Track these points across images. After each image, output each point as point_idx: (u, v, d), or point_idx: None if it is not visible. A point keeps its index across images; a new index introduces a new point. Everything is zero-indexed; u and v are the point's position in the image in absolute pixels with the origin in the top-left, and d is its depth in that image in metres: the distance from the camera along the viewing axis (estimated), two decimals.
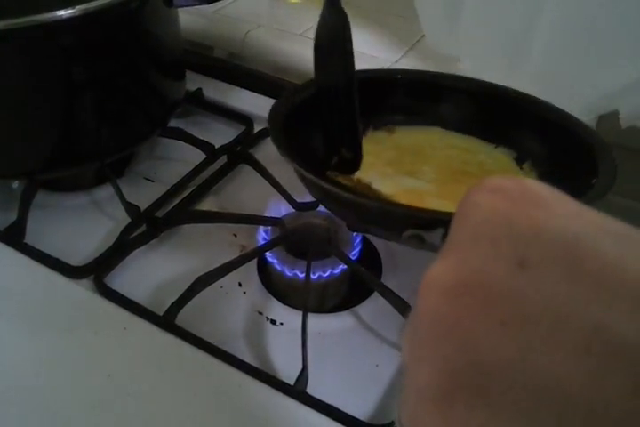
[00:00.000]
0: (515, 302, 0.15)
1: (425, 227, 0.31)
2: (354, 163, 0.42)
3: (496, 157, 0.44)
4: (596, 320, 0.14)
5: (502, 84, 0.49)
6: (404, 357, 0.18)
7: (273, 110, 0.41)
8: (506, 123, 0.45)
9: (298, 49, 0.66)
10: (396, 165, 0.43)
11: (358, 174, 0.42)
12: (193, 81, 0.63)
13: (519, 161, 0.44)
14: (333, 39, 0.38)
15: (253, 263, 0.48)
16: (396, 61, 0.65)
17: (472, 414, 0.15)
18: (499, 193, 0.17)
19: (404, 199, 0.37)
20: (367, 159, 0.42)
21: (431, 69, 0.48)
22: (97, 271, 0.45)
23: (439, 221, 0.30)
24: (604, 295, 0.14)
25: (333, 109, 0.40)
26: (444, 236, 0.29)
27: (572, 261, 0.14)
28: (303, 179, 0.38)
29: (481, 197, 0.17)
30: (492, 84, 0.46)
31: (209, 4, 0.51)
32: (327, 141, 0.42)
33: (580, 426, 0.13)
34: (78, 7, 0.40)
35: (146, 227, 0.49)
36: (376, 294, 0.45)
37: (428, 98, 0.47)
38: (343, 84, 0.40)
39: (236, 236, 0.51)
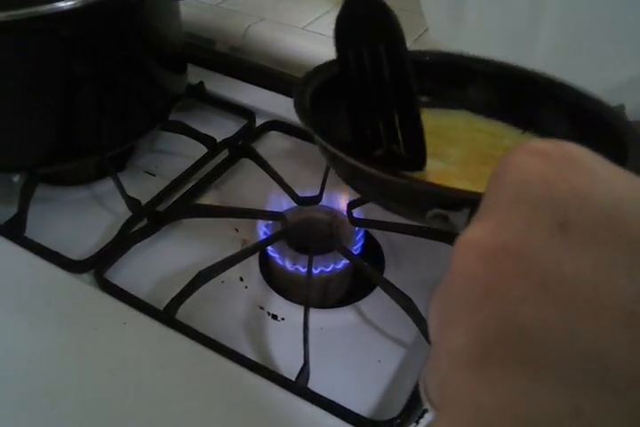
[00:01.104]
0: (555, 265, 0.14)
1: (450, 206, 0.30)
2: (414, 162, 0.40)
3: (522, 142, 0.43)
4: (638, 287, 0.13)
5: None
6: (433, 320, 0.17)
7: (303, 80, 0.40)
8: (534, 108, 0.44)
9: (300, 43, 0.66)
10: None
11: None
12: (195, 74, 0.63)
13: None
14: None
15: (255, 258, 0.47)
16: None
17: (512, 379, 0.14)
18: (539, 155, 0.16)
19: (430, 180, 0.36)
20: None
21: None
22: (97, 266, 0.45)
23: (465, 201, 0.29)
24: (637, 280, 0.13)
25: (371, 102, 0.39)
26: (470, 216, 0.29)
27: (615, 227, 0.14)
28: (326, 153, 0.37)
29: (520, 158, 0.17)
30: (520, 68, 0.44)
31: None
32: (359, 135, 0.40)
33: (622, 397, 0.13)
34: None
35: (147, 221, 0.49)
36: (378, 289, 0.44)
37: (455, 80, 0.46)
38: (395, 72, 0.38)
39: (237, 230, 0.50)
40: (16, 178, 0.54)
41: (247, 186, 0.55)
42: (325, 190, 0.50)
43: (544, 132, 0.43)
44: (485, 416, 0.15)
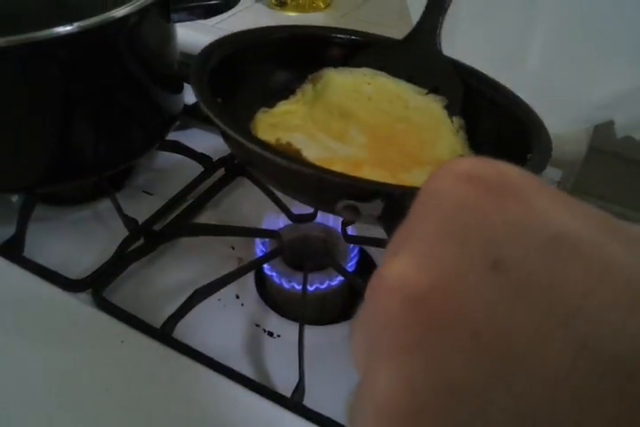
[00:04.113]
0: (489, 311, 0.13)
1: (361, 198, 0.29)
2: None
3: (427, 104, 0.43)
4: (582, 335, 0.12)
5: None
6: (357, 357, 0.16)
7: (197, 64, 0.39)
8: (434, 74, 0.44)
9: None
10: (324, 127, 0.42)
11: (288, 138, 0.40)
12: (191, 94, 0.63)
13: (450, 111, 0.43)
14: None
15: (251, 276, 0.48)
16: None
17: None
18: (468, 181, 0.14)
19: (339, 168, 0.35)
20: (294, 120, 0.42)
21: None
22: (95, 285, 0.45)
23: (377, 193, 0.28)
24: (590, 304, 0.12)
25: None
26: (384, 208, 0.28)
27: (552, 266, 0.13)
28: (229, 140, 0.35)
29: (448, 184, 0.15)
30: (436, 54, 0.45)
31: (206, 18, 0.51)
32: None
33: None
34: (76, 24, 0.41)
35: (144, 240, 0.50)
36: None
37: (360, 53, 0.46)
38: None
39: (233, 248, 0.51)
40: (15, 198, 0.54)
41: (243, 204, 0.56)
42: None
43: (446, 93, 0.44)
44: None
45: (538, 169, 0.33)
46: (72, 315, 0.44)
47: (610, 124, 0.56)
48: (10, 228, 0.50)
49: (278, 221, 0.50)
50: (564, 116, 0.59)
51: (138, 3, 0.44)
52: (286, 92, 0.46)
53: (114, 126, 0.50)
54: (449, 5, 0.43)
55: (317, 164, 0.33)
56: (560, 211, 0.14)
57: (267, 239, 0.48)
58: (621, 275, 0.12)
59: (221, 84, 0.39)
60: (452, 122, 0.43)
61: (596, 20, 0.53)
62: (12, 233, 0.49)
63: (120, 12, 0.42)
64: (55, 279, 0.46)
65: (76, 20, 0.41)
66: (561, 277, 0.12)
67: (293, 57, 0.45)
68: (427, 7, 0.44)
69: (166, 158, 0.60)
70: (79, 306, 0.44)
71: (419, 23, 0.44)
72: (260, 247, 0.48)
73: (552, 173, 0.58)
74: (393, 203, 0.28)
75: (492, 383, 0.12)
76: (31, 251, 0.49)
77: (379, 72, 0.45)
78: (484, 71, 0.44)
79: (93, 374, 0.40)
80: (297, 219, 0.50)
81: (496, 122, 0.42)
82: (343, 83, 0.45)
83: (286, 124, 0.43)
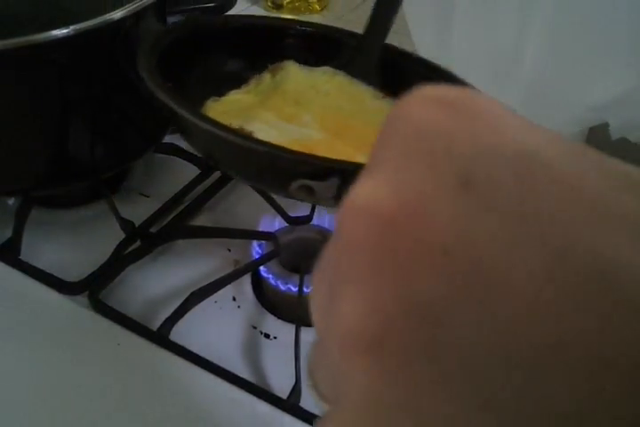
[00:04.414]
0: (460, 229, 0.12)
1: (316, 176, 0.28)
2: None
3: (384, 106, 0.43)
4: (556, 247, 0.11)
5: (492, 97, 0.50)
6: (317, 298, 0.15)
7: (146, 46, 0.39)
8: (395, 80, 0.44)
9: None
10: (277, 111, 0.41)
11: (240, 123, 0.39)
12: None
13: None
14: None
15: (247, 278, 0.48)
16: None
17: (413, 369, 0.12)
18: (436, 103, 0.14)
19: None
20: (245, 107, 0.42)
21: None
22: (91, 287, 0.45)
23: (332, 170, 0.28)
24: (562, 217, 0.12)
25: None
26: (339, 187, 0.27)
27: (523, 180, 0.12)
28: (177, 118, 0.34)
29: (414, 106, 0.14)
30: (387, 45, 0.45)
31: None
32: None
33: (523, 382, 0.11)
34: (73, 27, 0.41)
35: (140, 242, 0.50)
36: None
37: (321, 49, 0.46)
38: None
39: (230, 250, 0.51)
40: (11, 201, 0.54)
41: (239, 206, 0.56)
42: (316, 210, 0.51)
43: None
44: (386, 414, 0.13)
45: None
46: (68, 317, 0.44)
47: (605, 125, 0.56)
48: (6, 230, 0.50)
49: (274, 224, 0.50)
50: (558, 119, 0.59)
51: (134, 6, 0.44)
52: (238, 81, 0.45)
53: (110, 129, 0.50)
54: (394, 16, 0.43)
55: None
56: (530, 132, 0.13)
57: (263, 241, 0.48)
58: (591, 193, 0.12)
59: (171, 70, 0.38)
60: None
61: (591, 22, 0.53)
62: (8, 236, 0.49)
63: (116, 14, 0.42)
64: (52, 282, 0.46)
65: (73, 23, 0.41)
66: (532, 191, 0.12)
67: (248, 46, 0.46)
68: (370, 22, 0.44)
69: (163, 161, 0.60)
70: (75, 308, 0.44)
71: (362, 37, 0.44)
72: (256, 249, 0.48)
73: None
74: (349, 181, 0.27)
75: (465, 300, 0.12)
76: (27, 253, 0.49)
77: (339, 72, 0.45)
78: (482, 72, 0.45)
79: (90, 377, 0.40)
80: (293, 221, 0.50)
81: None
82: (302, 78, 0.44)
83: (237, 111, 0.42)
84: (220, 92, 0.44)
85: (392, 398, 0.12)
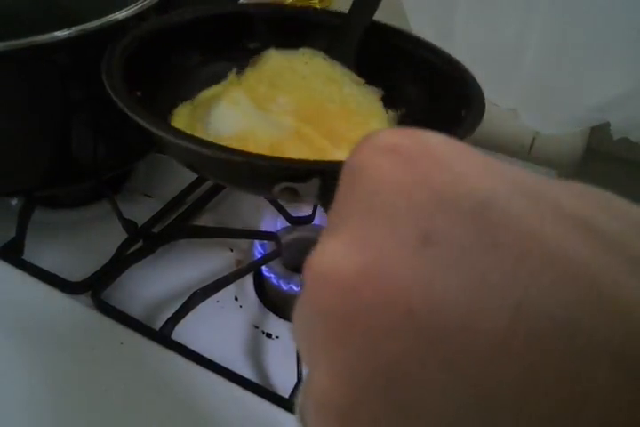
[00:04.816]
0: (422, 288, 0.12)
1: (298, 179, 0.28)
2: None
3: (362, 92, 0.43)
4: (515, 300, 0.11)
5: (492, 97, 0.50)
6: (300, 347, 0.15)
7: (110, 53, 0.38)
8: (376, 60, 0.43)
9: None
10: (251, 90, 0.41)
11: (206, 110, 0.39)
12: None
13: (387, 103, 0.42)
14: None
15: (249, 277, 0.48)
16: None
17: None
18: (390, 154, 0.14)
19: (263, 143, 0.35)
20: (219, 90, 0.42)
21: None
22: (94, 287, 0.46)
23: (312, 172, 0.28)
24: (521, 269, 0.11)
25: None
26: (321, 187, 0.28)
27: (483, 232, 0.12)
28: (161, 139, 0.33)
29: (371, 159, 0.14)
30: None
31: None
32: None
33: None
34: (75, 28, 0.41)
35: (143, 242, 0.50)
36: None
37: (296, 32, 0.45)
38: None
39: (232, 250, 0.51)
40: (14, 201, 0.55)
41: (241, 206, 0.56)
42: (318, 210, 0.51)
43: (387, 86, 0.43)
44: None
45: (474, 124, 0.33)
46: (71, 317, 0.44)
47: (606, 125, 0.56)
48: (9, 231, 0.50)
49: (276, 224, 0.50)
50: (560, 118, 0.59)
51: (136, 7, 0.44)
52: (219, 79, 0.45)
53: (112, 129, 0.50)
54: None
55: (237, 138, 0.33)
56: (486, 176, 0.13)
57: (265, 241, 0.49)
58: (547, 242, 0.12)
59: (141, 75, 0.38)
60: (387, 113, 0.42)
61: (593, 22, 0.53)
62: (11, 236, 0.49)
63: (119, 15, 0.43)
64: (54, 282, 0.46)
65: (75, 25, 0.41)
66: (491, 244, 0.12)
67: (219, 37, 0.44)
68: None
69: (165, 161, 0.60)
70: (78, 308, 0.44)
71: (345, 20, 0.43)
72: (258, 249, 0.48)
73: (548, 174, 0.58)
74: (329, 180, 0.27)
75: (431, 363, 0.12)
76: (30, 254, 0.49)
77: (318, 53, 0.44)
78: (483, 71, 0.44)
79: (93, 376, 0.40)
80: (295, 221, 0.50)
81: (427, 83, 0.42)
82: (280, 59, 0.44)
83: (208, 100, 0.41)
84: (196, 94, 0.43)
85: None
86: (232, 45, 0.45)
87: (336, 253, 0.13)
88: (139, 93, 0.37)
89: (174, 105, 0.42)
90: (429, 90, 0.42)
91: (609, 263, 0.11)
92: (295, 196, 0.29)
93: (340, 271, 0.13)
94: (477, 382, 0.11)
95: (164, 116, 0.41)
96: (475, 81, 0.38)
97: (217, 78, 0.45)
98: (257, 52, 0.45)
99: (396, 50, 0.43)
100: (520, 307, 0.11)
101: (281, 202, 0.30)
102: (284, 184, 0.29)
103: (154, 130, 0.31)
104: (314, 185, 0.28)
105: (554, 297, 0.11)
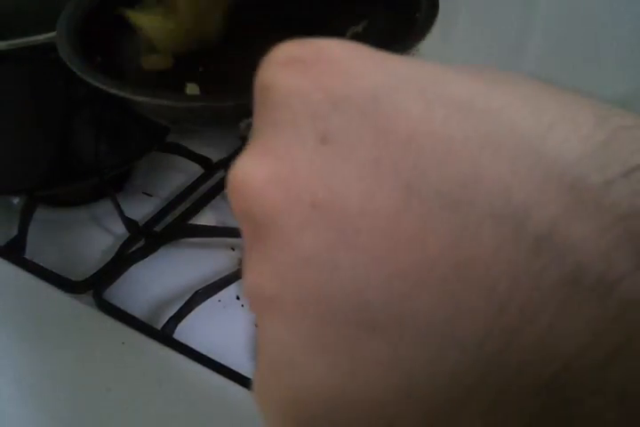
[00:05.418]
0: (322, 182, 0.13)
1: None
2: None
3: None
4: (406, 177, 0.12)
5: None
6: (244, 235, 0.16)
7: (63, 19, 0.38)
8: None
9: None
10: None
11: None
12: None
13: (349, 19, 0.43)
14: None
15: None
16: None
17: (302, 322, 0.13)
18: (292, 65, 0.15)
19: None
20: None
21: None
22: (96, 286, 0.46)
23: None
24: (410, 149, 0.12)
25: None
26: None
27: (373, 124, 0.13)
28: (113, 97, 0.34)
29: (273, 75, 0.15)
30: None
31: None
32: None
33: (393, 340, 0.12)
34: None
35: (144, 242, 0.50)
36: None
37: None
38: None
39: (233, 249, 0.51)
40: (16, 200, 0.55)
41: None
42: None
43: None
44: (294, 359, 0.14)
45: (427, 25, 0.34)
46: (73, 316, 0.44)
47: None
48: (11, 230, 0.50)
49: None
50: None
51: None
52: None
53: (114, 128, 0.50)
54: None
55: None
56: (377, 72, 0.14)
57: None
58: (431, 125, 0.13)
59: (97, 38, 0.38)
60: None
61: (595, 21, 0.53)
62: (13, 235, 0.49)
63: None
64: (56, 281, 0.46)
65: None
66: (382, 133, 0.13)
67: None
68: None
69: (166, 160, 0.60)
70: (80, 307, 0.44)
71: None
72: None
73: None
74: None
75: (338, 249, 0.13)
76: (32, 253, 0.49)
77: None
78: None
79: (94, 376, 0.40)
80: None
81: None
82: None
83: None
84: None
85: (296, 339, 0.13)
86: None
87: (247, 165, 0.14)
88: (99, 59, 0.38)
89: (138, 55, 0.43)
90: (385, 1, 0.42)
91: (484, 140, 0.12)
92: None
93: (250, 181, 0.14)
94: (379, 257, 0.12)
95: (131, 69, 0.41)
96: None
97: None
98: None
99: None
100: (410, 186, 0.12)
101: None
102: (247, 120, 0.29)
103: (120, 93, 0.32)
104: None
105: (439, 174, 0.12)
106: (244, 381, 0.40)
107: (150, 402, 0.39)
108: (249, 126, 0.29)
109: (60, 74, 0.44)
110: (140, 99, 0.31)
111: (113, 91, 0.32)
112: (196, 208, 0.54)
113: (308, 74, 0.14)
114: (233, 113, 0.30)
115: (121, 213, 0.51)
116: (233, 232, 0.51)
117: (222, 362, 0.41)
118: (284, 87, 0.14)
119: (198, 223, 0.54)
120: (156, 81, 0.41)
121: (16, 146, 0.47)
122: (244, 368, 0.41)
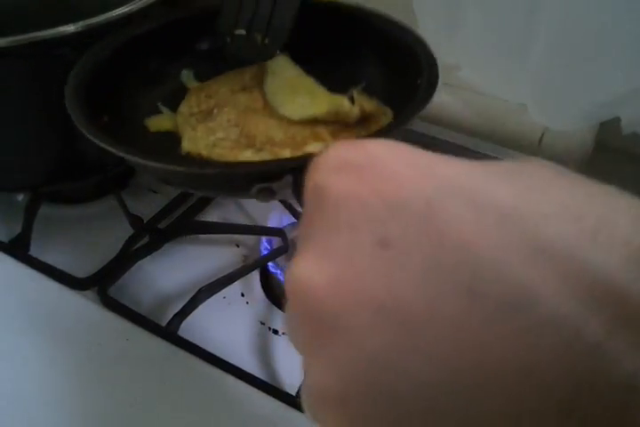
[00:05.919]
0: (386, 287, 0.14)
1: (272, 178, 0.30)
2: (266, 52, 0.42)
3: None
4: (466, 283, 0.13)
5: (501, 92, 0.49)
6: (295, 343, 0.17)
7: (71, 80, 0.39)
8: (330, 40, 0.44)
9: None
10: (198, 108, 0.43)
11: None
12: None
13: (348, 79, 0.43)
14: None
15: (256, 274, 0.48)
16: None
17: (376, 415, 0.14)
18: (343, 171, 0.15)
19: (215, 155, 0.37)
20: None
21: None
22: (100, 283, 0.46)
23: (285, 169, 0.30)
24: (467, 256, 0.13)
25: None
26: (294, 182, 0.30)
27: (430, 233, 0.14)
28: (137, 164, 0.35)
29: (325, 179, 0.16)
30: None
31: None
32: None
33: None
34: (80, 23, 0.41)
35: (149, 238, 0.50)
36: None
37: None
38: None
39: (238, 246, 0.51)
40: (20, 197, 0.55)
41: (248, 202, 0.56)
42: None
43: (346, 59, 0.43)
44: None
45: (429, 93, 0.34)
46: (77, 313, 0.44)
47: (615, 120, 0.55)
48: (16, 226, 0.50)
49: (283, 219, 0.50)
50: (569, 114, 0.58)
51: (140, 2, 0.44)
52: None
53: None
54: None
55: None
56: (426, 177, 0.15)
57: (271, 237, 0.48)
58: (484, 239, 0.13)
59: (104, 99, 0.39)
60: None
61: (602, 17, 0.53)
62: (17, 232, 0.49)
63: (122, 11, 0.42)
64: (61, 278, 0.46)
65: (80, 20, 0.41)
66: (439, 237, 0.13)
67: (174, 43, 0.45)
68: None
69: None
70: (85, 304, 0.44)
71: None
72: (264, 245, 0.48)
73: None
74: (300, 174, 0.29)
75: (405, 352, 0.13)
76: (37, 249, 0.49)
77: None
78: (491, 66, 0.44)
79: (99, 372, 0.40)
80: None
81: (383, 54, 0.42)
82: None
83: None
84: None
85: None
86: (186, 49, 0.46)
87: (307, 267, 0.15)
88: (105, 119, 0.38)
89: (144, 116, 0.43)
90: (385, 62, 0.43)
91: (533, 250, 0.13)
92: (272, 194, 0.31)
93: (312, 285, 0.15)
94: (450, 363, 0.13)
95: (137, 129, 0.42)
96: (425, 48, 0.38)
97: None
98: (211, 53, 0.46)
99: (348, 25, 0.44)
100: (471, 291, 0.13)
101: (258, 201, 0.31)
102: (259, 185, 0.30)
103: (129, 157, 0.32)
104: (287, 181, 0.30)
105: (497, 280, 0.13)
106: (247, 378, 0.40)
107: (154, 399, 0.39)
108: (259, 191, 0.31)
109: (64, 70, 0.44)
110: (151, 164, 0.32)
111: (121, 154, 0.33)
112: (201, 205, 0.54)
113: (362, 179, 0.15)
114: (246, 179, 0.31)
115: (125, 210, 0.51)
116: (237, 229, 0.51)
117: (226, 359, 0.41)
118: (340, 190, 0.15)
119: (203, 220, 0.54)
120: (163, 140, 0.42)
121: (20, 143, 0.47)
122: (249, 365, 0.41)
